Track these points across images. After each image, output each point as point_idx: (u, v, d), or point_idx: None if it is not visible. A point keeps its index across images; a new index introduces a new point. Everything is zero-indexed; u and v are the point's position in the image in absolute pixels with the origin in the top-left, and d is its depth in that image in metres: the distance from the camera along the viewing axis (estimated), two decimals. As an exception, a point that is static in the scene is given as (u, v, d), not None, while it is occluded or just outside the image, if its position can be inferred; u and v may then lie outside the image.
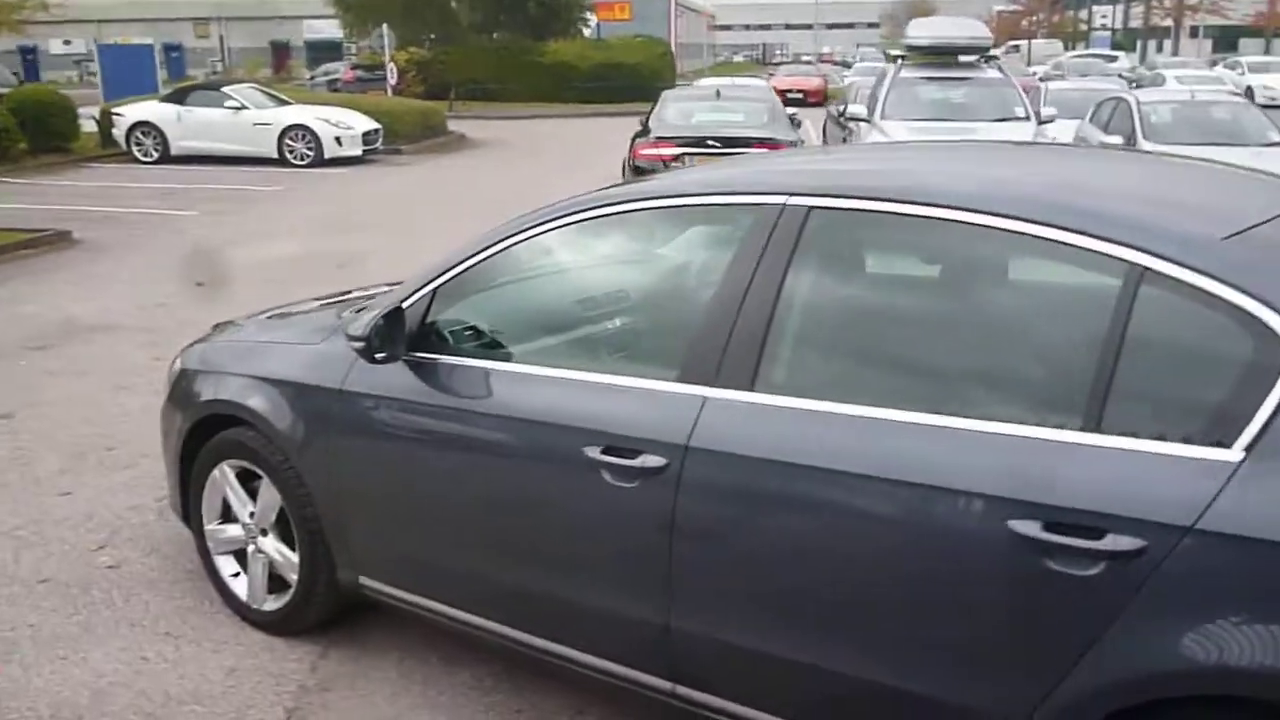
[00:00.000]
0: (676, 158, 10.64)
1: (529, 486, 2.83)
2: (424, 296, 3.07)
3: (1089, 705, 2.02)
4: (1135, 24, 60.08)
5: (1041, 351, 2.35)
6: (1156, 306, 2.08)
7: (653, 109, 12.50)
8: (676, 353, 2.64)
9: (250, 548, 3.59)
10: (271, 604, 3.56)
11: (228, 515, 3.68)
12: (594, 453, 2.61)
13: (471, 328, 3.00)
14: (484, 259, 3.02)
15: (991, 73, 11.99)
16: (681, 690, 2.63)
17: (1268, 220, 2.25)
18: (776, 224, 2.52)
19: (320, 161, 17.98)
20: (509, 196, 11.79)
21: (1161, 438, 2.02)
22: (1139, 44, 57.01)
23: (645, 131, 11.63)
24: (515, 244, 2.99)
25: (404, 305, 3.00)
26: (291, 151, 18.13)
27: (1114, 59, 39.45)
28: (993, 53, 12.42)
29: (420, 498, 3.09)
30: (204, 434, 3.61)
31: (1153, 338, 2.12)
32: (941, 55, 12.19)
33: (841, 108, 14.37)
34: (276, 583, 3.55)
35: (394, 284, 3.43)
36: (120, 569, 3.99)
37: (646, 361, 2.89)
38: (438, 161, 19.84)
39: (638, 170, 10.69)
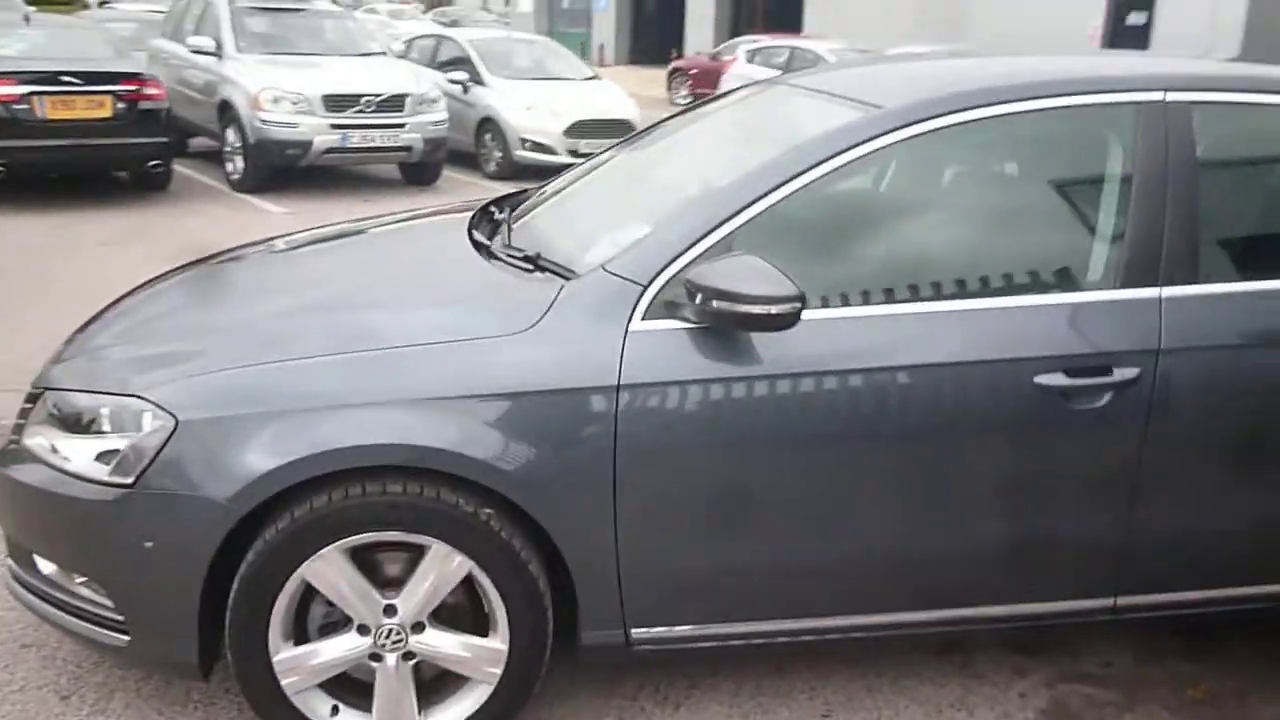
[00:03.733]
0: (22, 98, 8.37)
1: (954, 436, 2.44)
2: (717, 243, 2.38)
3: None
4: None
5: None
6: None
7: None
8: (1100, 260, 2.51)
9: (391, 659, 2.41)
10: (435, 726, 2.45)
11: (307, 629, 2.41)
12: (1051, 379, 2.40)
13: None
14: (791, 192, 2.44)
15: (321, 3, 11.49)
16: (1123, 601, 2.61)
17: None
18: (1166, 120, 2.54)
19: None
20: None
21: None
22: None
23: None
24: (826, 173, 2.47)
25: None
26: None
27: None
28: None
29: (771, 489, 2.42)
30: (257, 520, 2.30)
31: None
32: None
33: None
34: (429, 694, 2.47)
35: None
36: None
37: (1058, 276, 2.57)
38: None
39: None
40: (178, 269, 3.28)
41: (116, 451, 2.34)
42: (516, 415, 2.32)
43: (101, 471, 2.35)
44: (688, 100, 19.86)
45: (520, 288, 2.52)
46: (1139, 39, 18.69)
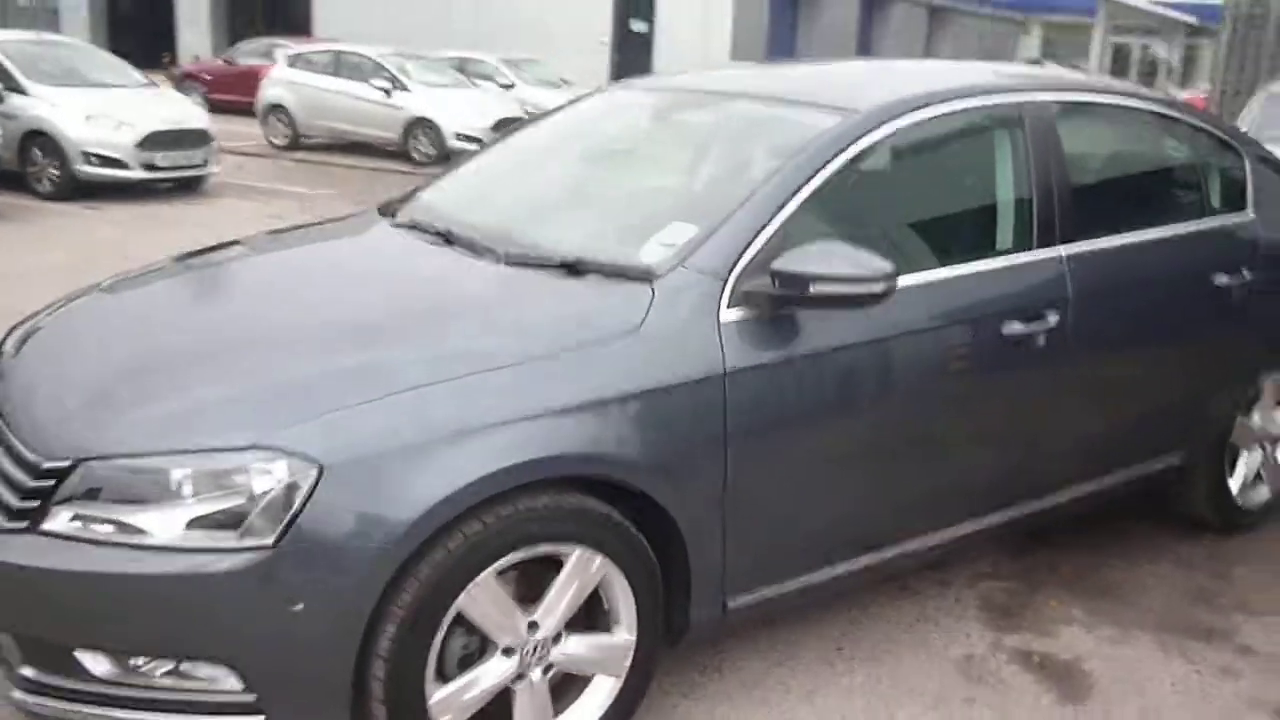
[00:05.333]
0: None
1: (966, 379, 2.93)
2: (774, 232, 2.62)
3: None
4: None
5: None
6: None
7: None
8: (1017, 229, 3.08)
9: (535, 675, 2.38)
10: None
11: (448, 663, 2.31)
12: (1010, 327, 2.95)
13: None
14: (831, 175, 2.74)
15: None
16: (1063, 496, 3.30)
17: None
18: (1027, 119, 3.16)
19: None
20: None
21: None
22: None
23: None
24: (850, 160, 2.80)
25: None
26: None
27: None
28: None
29: (840, 451, 2.71)
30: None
31: None
32: None
33: None
34: (555, 700, 2.47)
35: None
36: None
37: (1000, 242, 3.08)
38: None
39: None
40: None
41: (222, 513, 2.08)
42: (641, 413, 2.40)
43: (220, 539, 2.08)
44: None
45: (600, 293, 2.57)
46: (644, 44, 20.67)
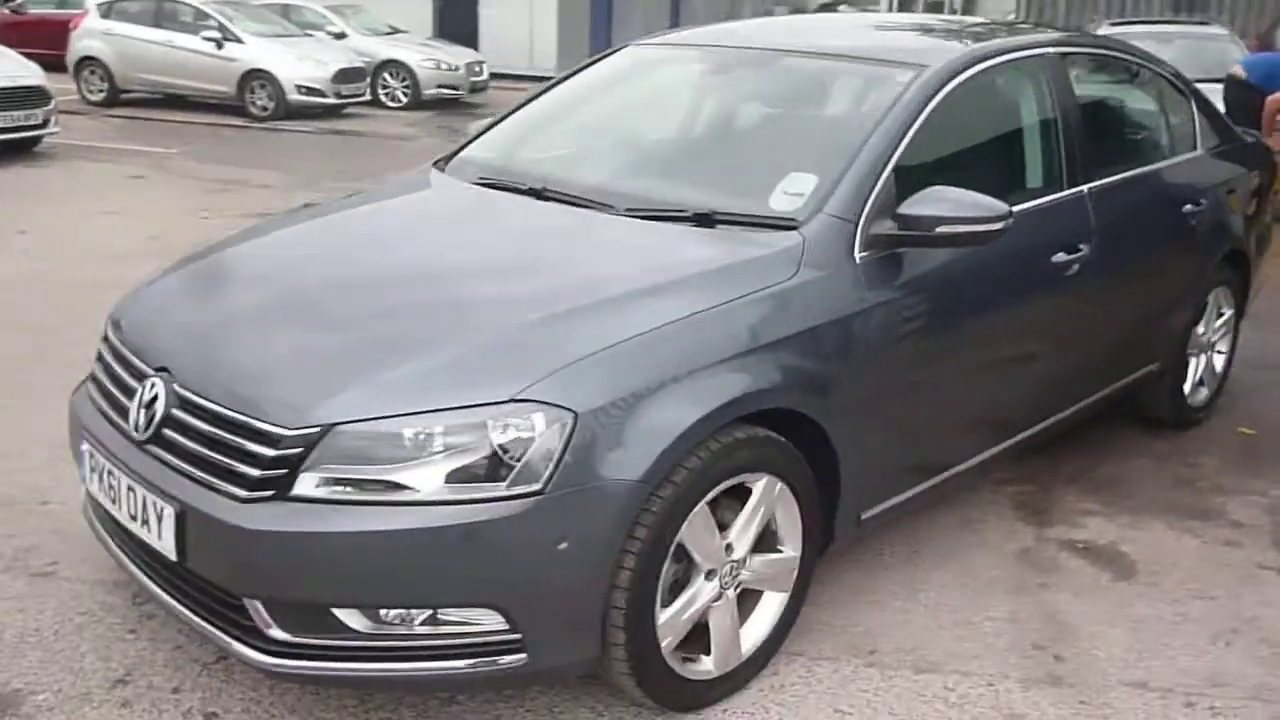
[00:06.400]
0: None
1: (1030, 304, 3.35)
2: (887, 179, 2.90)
3: None
4: None
5: None
6: None
7: None
8: (1056, 169, 3.47)
9: (729, 594, 2.60)
10: (748, 645, 2.70)
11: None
12: (1057, 257, 3.36)
13: None
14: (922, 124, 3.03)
15: None
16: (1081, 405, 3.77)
17: None
18: (1051, 70, 3.55)
19: None
20: None
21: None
22: None
23: None
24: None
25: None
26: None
27: None
28: None
29: (948, 368, 3.07)
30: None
31: None
32: None
33: None
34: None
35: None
36: None
37: (1045, 180, 3.49)
38: None
39: None
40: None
41: (481, 465, 2.21)
42: (808, 349, 2.65)
43: (486, 489, 2.20)
44: None
45: (751, 242, 2.77)
46: (470, 39, 20.44)
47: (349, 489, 2.21)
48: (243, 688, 2.65)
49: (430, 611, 2.27)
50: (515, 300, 2.55)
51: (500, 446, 2.21)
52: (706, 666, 2.61)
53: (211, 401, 2.37)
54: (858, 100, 3.18)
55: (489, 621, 2.28)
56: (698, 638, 2.59)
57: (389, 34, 17.65)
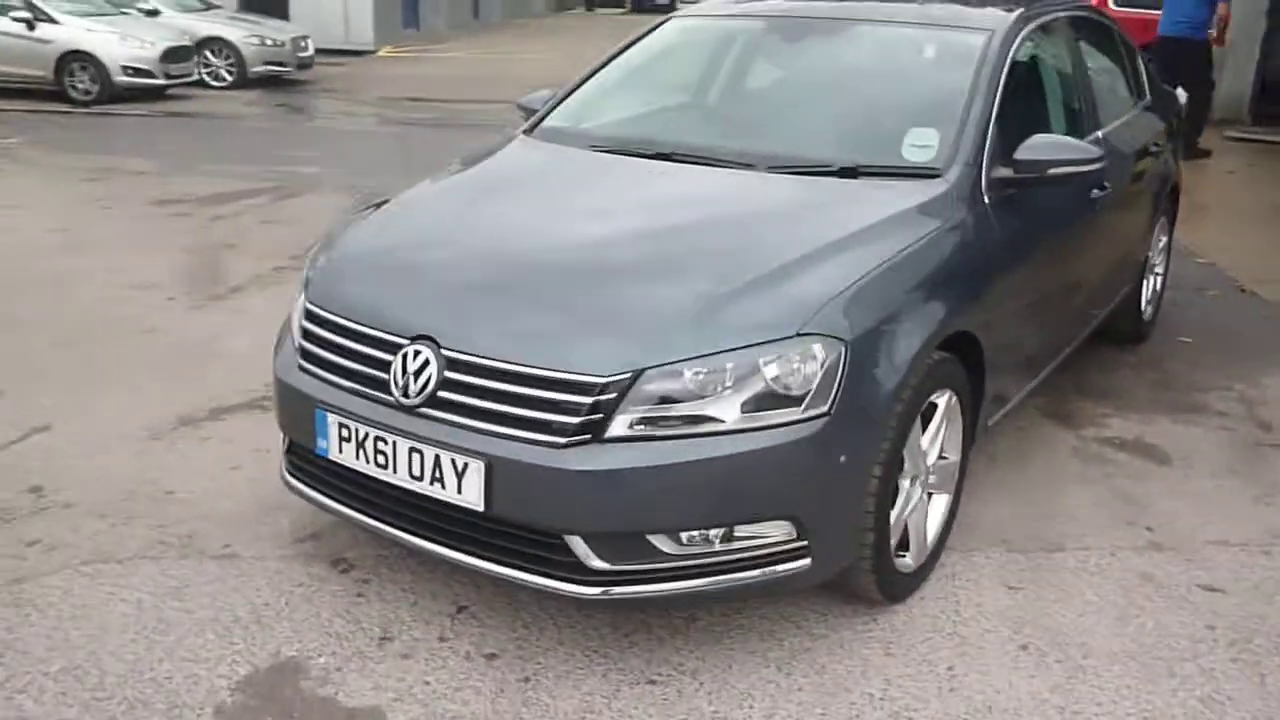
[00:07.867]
0: None
1: (1086, 235, 3.96)
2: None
3: None
4: None
5: None
6: None
7: None
8: (1087, 115, 4.01)
9: (920, 495, 2.99)
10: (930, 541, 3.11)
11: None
12: (1093, 193, 3.91)
13: None
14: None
15: None
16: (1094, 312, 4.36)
17: None
18: (1067, 30, 4.09)
19: None
20: None
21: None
22: None
23: None
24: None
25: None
26: None
27: None
28: None
29: (1043, 287, 3.57)
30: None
31: None
32: None
33: None
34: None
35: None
36: None
37: (1081, 125, 4.04)
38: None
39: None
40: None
41: (773, 394, 2.50)
42: (970, 280, 3.07)
43: (783, 415, 2.50)
44: None
45: (912, 190, 3.14)
46: (280, 13, 19.66)
47: (659, 426, 2.46)
48: (502, 629, 2.84)
49: (726, 529, 2.55)
50: (748, 250, 2.83)
51: (789, 376, 2.51)
52: (907, 561, 3.00)
53: (506, 362, 2.54)
54: (939, 62, 3.60)
55: (777, 533, 2.58)
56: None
57: (203, 9, 16.85)
